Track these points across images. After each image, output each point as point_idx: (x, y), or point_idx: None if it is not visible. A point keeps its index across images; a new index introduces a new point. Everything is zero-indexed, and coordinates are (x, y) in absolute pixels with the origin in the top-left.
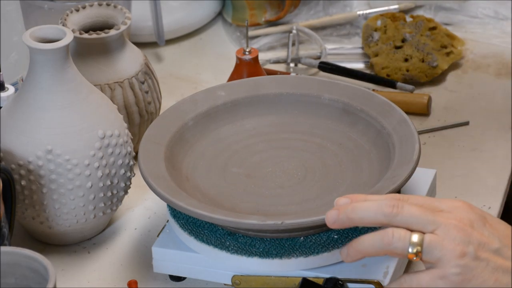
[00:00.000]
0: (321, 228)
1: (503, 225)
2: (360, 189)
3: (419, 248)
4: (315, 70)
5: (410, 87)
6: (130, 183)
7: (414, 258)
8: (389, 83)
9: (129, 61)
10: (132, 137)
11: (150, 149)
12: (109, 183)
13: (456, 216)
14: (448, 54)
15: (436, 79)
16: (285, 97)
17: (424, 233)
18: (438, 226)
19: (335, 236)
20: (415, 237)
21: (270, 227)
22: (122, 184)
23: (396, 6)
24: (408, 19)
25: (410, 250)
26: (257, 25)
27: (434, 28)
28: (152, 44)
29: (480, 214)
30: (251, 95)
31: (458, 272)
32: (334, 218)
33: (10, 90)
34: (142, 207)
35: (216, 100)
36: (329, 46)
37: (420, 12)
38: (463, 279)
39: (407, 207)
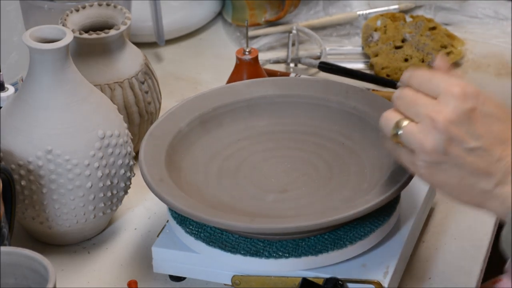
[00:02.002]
0: (324, 230)
1: (501, 124)
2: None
3: (397, 131)
4: (315, 70)
5: None
6: (130, 183)
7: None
8: (389, 83)
9: (129, 61)
10: (132, 137)
11: (150, 151)
12: (109, 183)
13: (441, 109)
14: (448, 54)
15: None
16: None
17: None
18: (421, 118)
19: (335, 237)
20: (401, 123)
21: (271, 231)
22: (122, 184)
23: (396, 6)
24: (408, 19)
25: (391, 131)
26: (257, 25)
27: (434, 28)
28: (152, 44)
29: (471, 107)
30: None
31: (424, 165)
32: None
33: (10, 90)
34: (142, 207)
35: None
36: (329, 46)
37: (420, 12)
38: (429, 172)
39: (405, 92)
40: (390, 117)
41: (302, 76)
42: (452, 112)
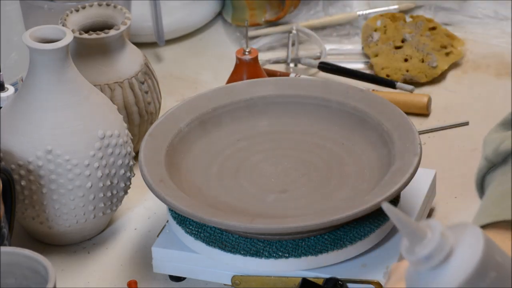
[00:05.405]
0: (324, 230)
1: None
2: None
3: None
4: (315, 70)
5: (410, 87)
6: (130, 183)
7: None
8: (389, 83)
9: (129, 61)
10: (132, 137)
11: (150, 151)
12: (109, 183)
13: None
14: (448, 54)
15: (436, 79)
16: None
17: None
18: None
19: (335, 237)
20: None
21: (271, 231)
22: (122, 184)
23: (396, 6)
24: (408, 19)
25: None
26: (257, 25)
27: (434, 28)
28: (152, 44)
29: None
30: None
31: None
32: None
33: (10, 90)
34: (142, 207)
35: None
36: (329, 46)
37: (420, 12)
38: None
39: None
40: None
41: (302, 76)
42: None
